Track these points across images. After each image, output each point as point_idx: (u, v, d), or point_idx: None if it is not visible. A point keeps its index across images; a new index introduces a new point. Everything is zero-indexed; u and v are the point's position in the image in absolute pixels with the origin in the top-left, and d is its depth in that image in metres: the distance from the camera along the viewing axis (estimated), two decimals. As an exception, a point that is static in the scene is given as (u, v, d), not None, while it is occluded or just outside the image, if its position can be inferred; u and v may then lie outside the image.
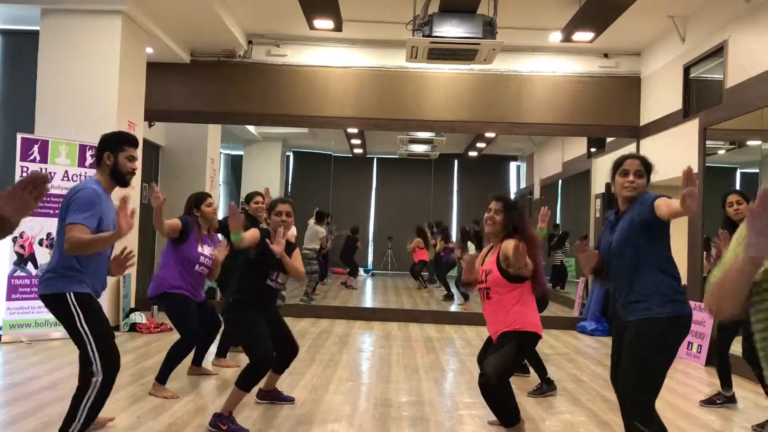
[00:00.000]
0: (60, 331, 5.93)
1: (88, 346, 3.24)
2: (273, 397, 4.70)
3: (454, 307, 11.04)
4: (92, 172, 7.03)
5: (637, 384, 3.00)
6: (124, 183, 3.55)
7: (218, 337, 5.75)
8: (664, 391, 5.48)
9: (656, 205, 2.99)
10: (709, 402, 5.12)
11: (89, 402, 3.23)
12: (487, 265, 3.80)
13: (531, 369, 5.57)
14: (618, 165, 3.20)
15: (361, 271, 15.83)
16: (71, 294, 3.25)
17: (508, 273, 3.65)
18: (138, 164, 3.68)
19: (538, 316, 3.79)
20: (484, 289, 3.78)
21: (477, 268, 3.83)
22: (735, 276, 1.74)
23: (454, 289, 11.80)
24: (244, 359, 5.00)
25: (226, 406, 4.03)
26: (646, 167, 3.18)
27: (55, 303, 3.27)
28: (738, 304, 1.79)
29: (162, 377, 4.81)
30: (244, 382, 4.02)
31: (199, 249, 5.01)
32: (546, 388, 5.24)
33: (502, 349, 3.63)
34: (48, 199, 6.55)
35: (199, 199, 5.11)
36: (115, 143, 3.51)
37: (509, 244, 3.57)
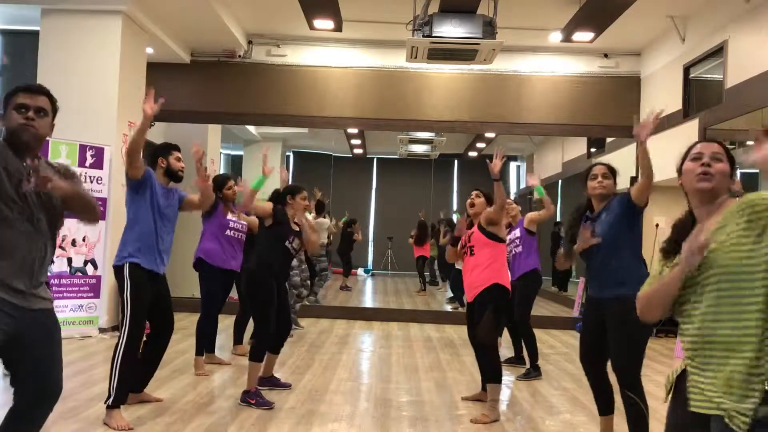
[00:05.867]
0: (65, 331, 5.95)
1: (125, 309, 4.04)
2: (272, 383, 5.01)
3: (450, 307, 10.97)
4: (93, 172, 7.09)
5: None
6: (177, 179, 4.34)
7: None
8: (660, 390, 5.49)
9: (631, 193, 3.54)
10: None
11: (119, 360, 3.95)
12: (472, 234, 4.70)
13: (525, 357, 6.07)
14: (587, 172, 3.77)
15: (361, 271, 15.80)
16: (126, 266, 4.06)
17: (486, 232, 4.56)
18: (183, 164, 4.39)
19: (507, 275, 4.66)
20: (468, 248, 4.60)
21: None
22: (663, 289, 2.00)
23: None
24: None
25: (249, 382, 4.57)
26: (612, 171, 3.73)
27: (116, 273, 4.11)
28: (664, 312, 2.05)
29: (198, 351, 5.48)
30: (255, 354, 4.58)
31: (228, 216, 5.76)
32: (533, 373, 5.78)
33: (484, 316, 4.43)
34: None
35: (221, 182, 5.79)
36: (164, 149, 4.34)
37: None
